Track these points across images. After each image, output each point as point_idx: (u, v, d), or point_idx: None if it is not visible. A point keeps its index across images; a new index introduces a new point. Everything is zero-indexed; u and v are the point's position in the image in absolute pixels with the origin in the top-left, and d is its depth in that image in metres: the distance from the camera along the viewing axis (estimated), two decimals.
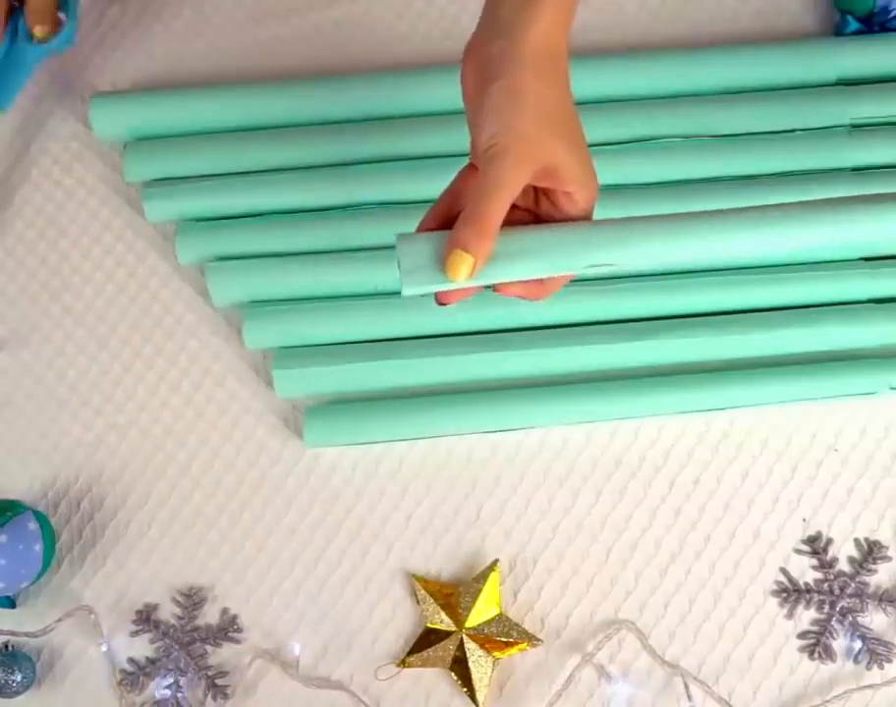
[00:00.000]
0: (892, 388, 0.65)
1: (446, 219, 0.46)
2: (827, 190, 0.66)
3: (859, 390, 0.65)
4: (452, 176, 0.48)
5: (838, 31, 0.71)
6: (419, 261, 0.45)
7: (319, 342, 0.66)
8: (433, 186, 0.66)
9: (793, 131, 0.68)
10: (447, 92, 0.68)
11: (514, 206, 0.46)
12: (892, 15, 0.69)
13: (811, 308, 0.66)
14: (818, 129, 0.68)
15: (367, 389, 0.66)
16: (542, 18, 0.44)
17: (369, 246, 0.67)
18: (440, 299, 0.47)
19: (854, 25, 0.70)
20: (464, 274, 0.43)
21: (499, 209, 0.43)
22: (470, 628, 0.61)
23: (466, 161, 0.48)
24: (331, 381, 0.66)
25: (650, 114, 0.68)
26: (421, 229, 0.48)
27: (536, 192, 0.48)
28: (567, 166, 0.45)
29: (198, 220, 0.68)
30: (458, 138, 0.67)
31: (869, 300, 0.66)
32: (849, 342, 0.66)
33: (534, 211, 0.48)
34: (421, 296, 0.46)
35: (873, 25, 0.70)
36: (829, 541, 0.64)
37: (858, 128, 0.68)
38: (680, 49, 0.70)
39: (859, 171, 0.67)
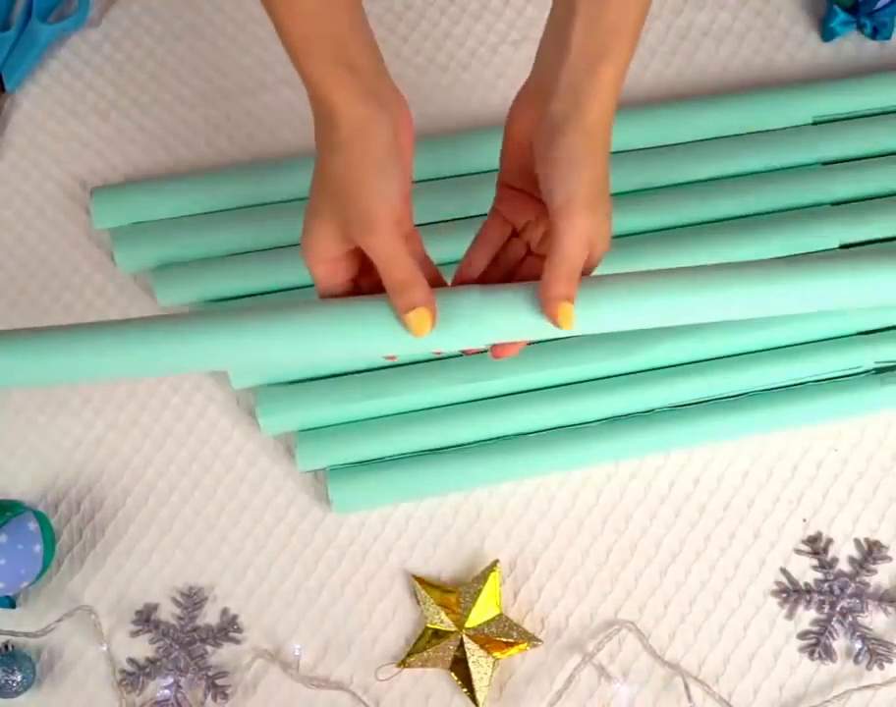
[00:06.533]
0: (877, 362, 0.65)
1: (489, 268, 0.51)
2: (808, 225, 0.67)
3: (845, 366, 0.65)
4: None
5: (825, 23, 0.72)
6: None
7: (303, 377, 0.66)
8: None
9: (770, 170, 0.69)
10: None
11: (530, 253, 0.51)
12: (878, 6, 0.70)
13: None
14: (794, 167, 0.69)
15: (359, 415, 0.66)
16: (604, 88, 0.46)
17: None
18: (496, 353, 0.51)
19: (841, 15, 0.71)
20: (572, 321, 0.47)
21: (582, 259, 0.47)
22: (470, 629, 0.61)
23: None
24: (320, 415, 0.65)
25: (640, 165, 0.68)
26: (462, 278, 0.51)
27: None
28: (605, 236, 0.48)
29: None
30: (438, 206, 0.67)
31: None
32: (827, 332, 0.66)
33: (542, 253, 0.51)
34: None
35: (859, 15, 0.71)
36: (829, 541, 0.64)
37: (829, 163, 0.69)
38: (665, 104, 0.70)
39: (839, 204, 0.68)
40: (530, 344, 0.64)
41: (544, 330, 0.48)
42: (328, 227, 0.47)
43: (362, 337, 0.48)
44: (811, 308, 0.50)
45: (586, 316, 0.48)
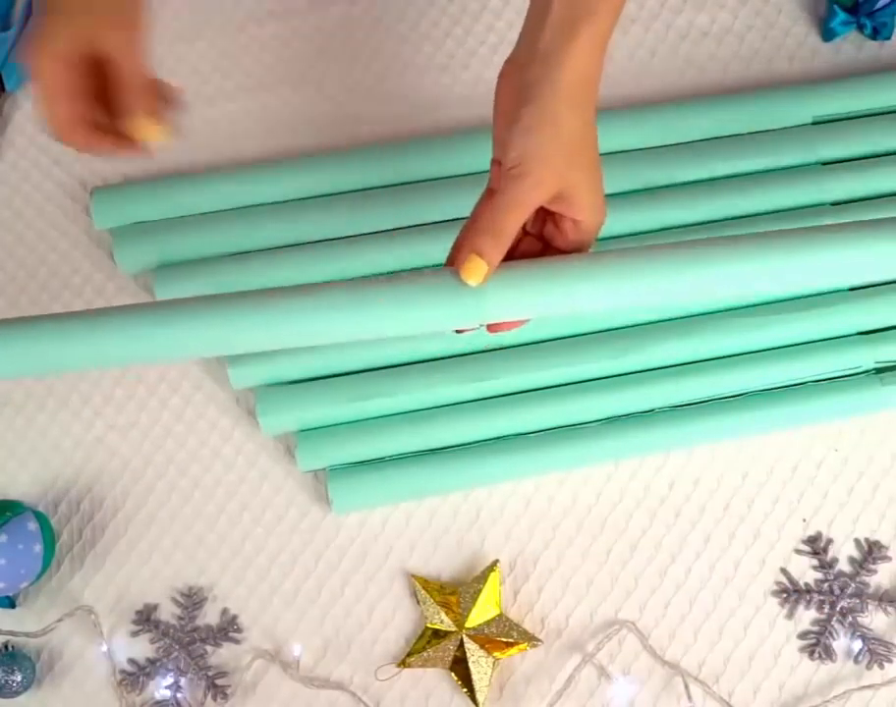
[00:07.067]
0: (877, 362, 0.65)
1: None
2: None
3: (845, 366, 0.65)
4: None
5: (825, 23, 0.72)
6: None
7: (302, 377, 0.66)
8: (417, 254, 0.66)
9: (770, 170, 0.69)
10: (440, 162, 0.68)
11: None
12: (878, 6, 0.70)
13: (789, 301, 0.66)
14: (794, 167, 0.68)
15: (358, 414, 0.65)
16: (580, 49, 0.46)
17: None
18: (491, 328, 0.50)
19: (841, 15, 0.71)
20: (477, 278, 0.45)
21: (515, 224, 0.46)
22: (470, 629, 0.61)
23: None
24: (318, 413, 0.65)
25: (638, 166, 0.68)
26: (451, 258, 0.49)
27: (543, 215, 0.49)
28: (582, 195, 0.47)
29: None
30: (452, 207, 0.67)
31: (849, 290, 0.67)
32: (827, 332, 0.66)
33: (539, 232, 0.50)
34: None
35: (859, 15, 0.71)
36: (829, 541, 0.64)
37: (829, 164, 0.69)
38: (665, 104, 0.70)
39: (838, 204, 0.68)
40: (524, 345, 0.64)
41: (535, 309, 0.47)
42: (70, 21, 0.46)
43: (362, 318, 0.47)
44: (807, 282, 0.49)
45: (582, 291, 0.47)
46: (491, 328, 0.50)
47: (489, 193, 0.49)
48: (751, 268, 0.47)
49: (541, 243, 0.50)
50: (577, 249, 0.49)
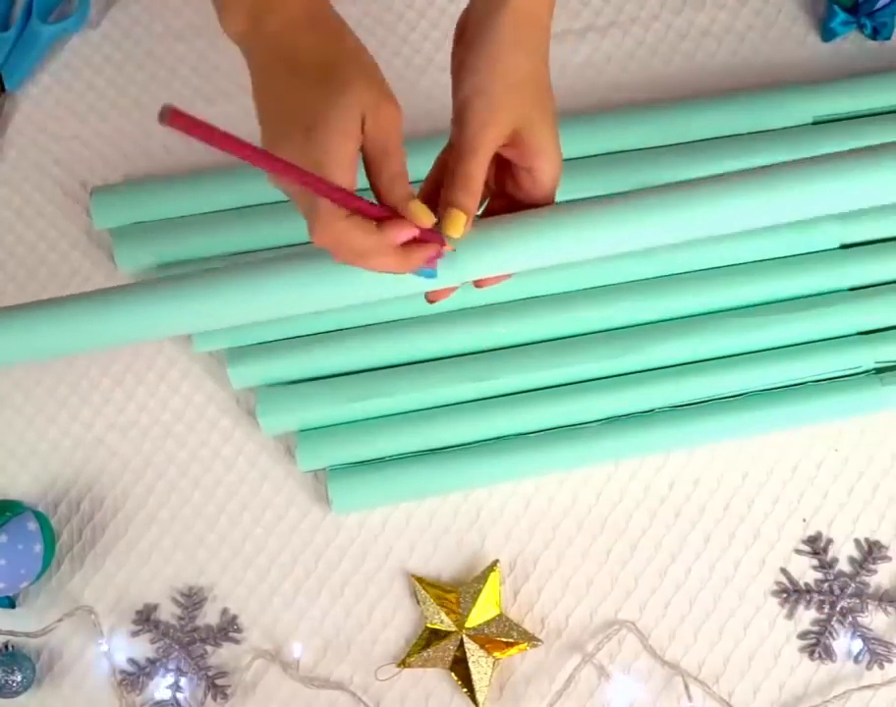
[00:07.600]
0: (877, 362, 0.65)
1: (435, 196, 0.48)
2: (808, 225, 0.66)
3: (845, 366, 0.65)
4: None
5: (825, 23, 0.72)
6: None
7: (302, 377, 0.66)
8: None
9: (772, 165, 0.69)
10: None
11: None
12: (878, 6, 0.70)
13: (789, 301, 0.66)
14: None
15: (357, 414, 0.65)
16: None
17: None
18: (430, 298, 0.49)
19: (841, 15, 0.71)
20: (458, 230, 0.45)
21: (478, 168, 0.45)
22: (470, 629, 0.61)
23: None
24: (317, 413, 0.65)
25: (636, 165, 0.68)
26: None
27: (503, 175, 0.49)
28: (534, 135, 0.46)
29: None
30: None
31: (849, 290, 0.67)
32: (827, 332, 0.66)
33: (501, 191, 0.50)
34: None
35: (859, 15, 0.71)
36: (829, 541, 0.64)
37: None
38: (668, 104, 0.70)
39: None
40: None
41: (509, 263, 0.47)
42: (359, 93, 0.43)
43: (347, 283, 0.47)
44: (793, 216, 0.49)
45: (556, 239, 0.46)
46: (477, 283, 0.49)
47: (449, 147, 0.48)
48: (721, 208, 0.47)
49: (507, 201, 0.49)
50: (539, 205, 0.48)
